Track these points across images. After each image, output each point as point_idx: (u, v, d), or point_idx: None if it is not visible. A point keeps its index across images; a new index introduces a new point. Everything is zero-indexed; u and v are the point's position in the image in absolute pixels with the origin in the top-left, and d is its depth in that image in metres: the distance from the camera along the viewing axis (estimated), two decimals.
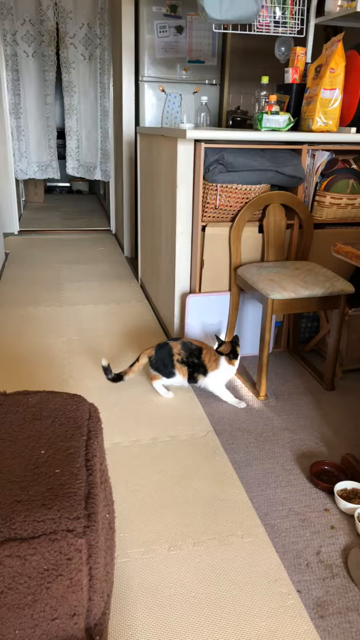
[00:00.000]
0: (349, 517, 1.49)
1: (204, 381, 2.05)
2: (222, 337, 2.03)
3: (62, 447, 1.05)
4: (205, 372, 2.03)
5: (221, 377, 2.04)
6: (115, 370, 2.16)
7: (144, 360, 2.09)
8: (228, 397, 2.06)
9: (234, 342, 2.04)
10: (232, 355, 2.01)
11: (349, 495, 1.55)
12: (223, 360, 2.01)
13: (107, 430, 1.86)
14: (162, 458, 1.73)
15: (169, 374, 2.06)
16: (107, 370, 2.10)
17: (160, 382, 2.10)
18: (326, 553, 1.37)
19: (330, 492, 1.58)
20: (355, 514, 1.45)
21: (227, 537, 1.41)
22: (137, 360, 2.09)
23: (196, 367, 2.04)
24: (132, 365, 2.10)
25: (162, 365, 2.06)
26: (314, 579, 1.29)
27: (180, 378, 2.06)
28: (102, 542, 0.94)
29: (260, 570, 1.31)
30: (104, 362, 2.09)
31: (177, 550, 1.36)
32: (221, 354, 2.01)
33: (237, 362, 2.03)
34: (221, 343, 2.03)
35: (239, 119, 3.21)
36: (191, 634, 1.14)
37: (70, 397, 1.26)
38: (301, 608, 1.21)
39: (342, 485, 1.57)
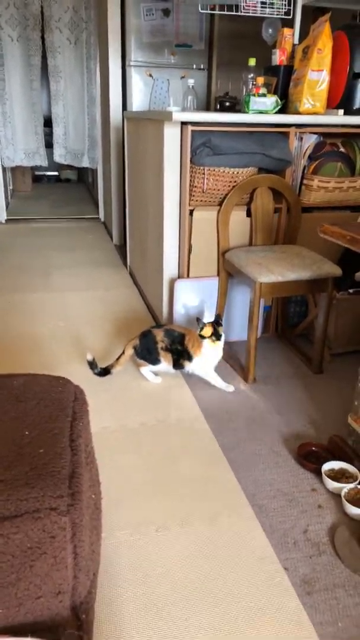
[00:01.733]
0: (336, 496, 1.50)
1: (191, 367, 2.05)
2: (205, 319, 2.01)
3: (47, 428, 1.05)
4: (190, 358, 2.03)
5: (207, 361, 2.04)
6: (103, 361, 2.15)
7: (129, 351, 2.08)
8: (217, 381, 2.06)
9: (216, 322, 2.01)
10: (214, 337, 2.01)
11: (337, 475, 1.56)
12: (206, 343, 2.00)
13: (96, 415, 1.85)
14: (150, 442, 1.73)
15: (154, 361, 2.06)
16: (92, 364, 2.06)
17: (148, 369, 2.09)
18: (313, 531, 1.38)
19: (317, 473, 1.59)
20: (342, 493, 1.46)
21: (214, 517, 1.41)
22: (123, 352, 2.08)
23: (181, 353, 2.04)
24: (118, 358, 2.08)
25: (147, 353, 2.06)
26: (301, 557, 1.30)
27: (165, 365, 2.06)
28: (87, 521, 0.93)
29: (248, 550, 1.31)
30: (89, 357, 2.06)
31: (164, 531, 1.36)
32: (203, 337, 2.01)
33: (221, 343, 2.01)
34: (203, 326, 2.01)
35: (227, 104, 3.17)
36: (179, 613, 1.15)
37: (55, 380, 1.25)
38: (288, 585, 1.22)
39: (329, 466, 1.58)
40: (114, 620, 1.13)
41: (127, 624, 1.12)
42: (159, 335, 2.05)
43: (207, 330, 1.99)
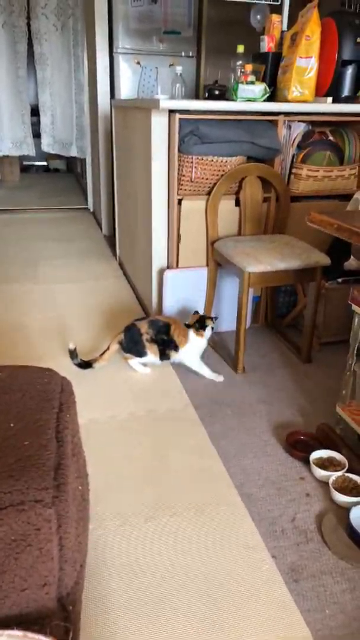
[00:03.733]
0: (324, 484, 1.51)
1: (177, 357, 2.04)
2: (201, 312, 2.02)
3: (32, 419, 1.04)
4: (176, 348, 2.02)
5: (193, 350, 2.03)
6: (92, 352, 2.13)
7: (114, 347, 2.07)
8: (205, 371, 2.06)
9: (205, 315, 2.03)
10: (198, 325, 2.00)
11: (324, 464, 1.57)
12: (191, 332, 2.00)
13: (84, 406, 1.84)
14: (139, 432, 1.73)
15: (141, 353, 2.05)
16: (73, 353, 2.01)
17: (135, 360, 2.09)
18: (301, 519, 1.39)
19: (306, 461, 1.59)
20: (330, 481, 1.47)
21: (203, 507, 1.42)
22: (108, 348, 2.07)
23: (166, 343, 2.03)
24: (103, 353, 2.07)
25: (133, 346, 2.05)
26: (288, 545, 1.31)
27: (152, 356, 2.05)
28: (73, 513, 0.93)
29: (236, 538, 1.32)
30: (71, 345, 2.02)
31: (153, 521, 1.36)
32: (188, 326, 2.01)
33: (205, 333, 2.01)
34: (200, 316, 2.02)
35: (216, 92, 3.13)
36: (167, 602, 1.15)
37: (42, 371, 1.23)
38: (276, 573, 1.23)
39: (317, 454, 1.59)
40: (103, 610, 1.13)
41: (116, 614, 1.12)
42: (144, 327, 2.04)
43: (192, 319, 2.00)
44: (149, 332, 2.03)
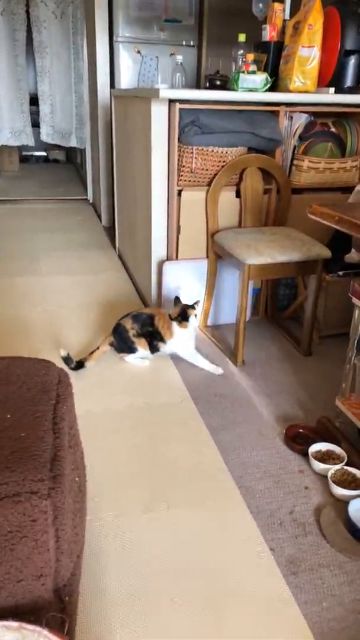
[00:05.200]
0: (323, 477, 1.51)
1: (167, 348, 2.04)
2: (189, 300, 2.00)
3: (29, 411, 1.03)
4: (163, 339, 2.03)
5: (181, 342, 2.02)
6: (88, 345, 2.12)
7: (104, 347, 2.06)
8: (201, 362, 2.05)
9: (190, 306, 2.01)
10: (180, 318, 1.99)
11: (323, 457, 1.56)
12: (174, 325, 2.00)
13: (82, 398, 1.83)
14: (137, 424, 1.72)
15: (132, 349, 2.05)
16: (67, 360, 1.97)
17: (130, 357, 2.08)
18: (299, 512, 1.39)
19: (305, 454, 1.59)
20: (329, 475, 1.47)
21: (201, 499, 1.41)
22: (98, 348, 2.06)
23: (153, 335, 2.03)
24: (92, 352, 2.05)
25: (123, 344, 2.05)
26: (286, 537, 1.31)
27: (143, 351, 2.05)
28: (69, 504, 0.92)
29: (234, 530, 1.32)
30: (63, 353, 1.97)
31: (151, 513, 1.36)
32: (171, 318, 2.00)
33: (190, 323, 1.99)
34: (181, 307, 2.01)
35: (218, 82, 3.10)
36: (164, 593, 1.15)
37: (39, 362, 1.22)
38: (274, 565, 1.23)
39: (316, 447, 1.58)
40: (100, 602, 1.13)
41: (112, 605, 1.12)
42: (128, 323, 2.04)
43: (174, 312, 2.00)
44: (134, 327, 2.03)
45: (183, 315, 1.99)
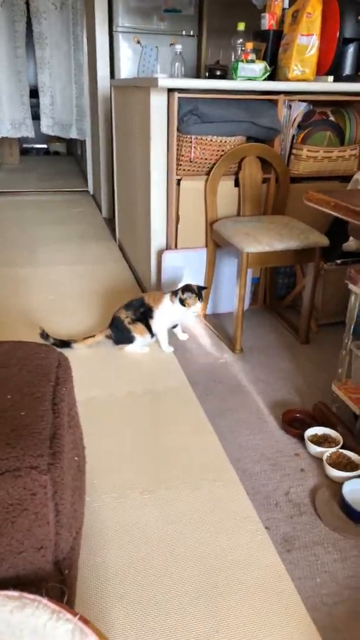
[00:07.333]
0: (319, 460, 1.53)
1: (153, 323, 2.07)
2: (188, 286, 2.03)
3: (29, 392, 1.05)
4: (152, 315, 2.06)
5: (163, 315, 2.05)
6: (88, 334, 2.14)
7: (99, 337, 2.09)
8: (163, 341, 2.10)
9: (191, 287, 2.02)
10: (174, 293, 2.03)
11: (319, 440, 1.59)
12: (166, 296, 2.04)
13: (83, 384, 1.86)
14: (136, 410, 1.75)
15: (130, 339, 2.08)
16: (42, 335, 2.03)
17: (130, 347, 2.11)
18: (295, 493, 1.42)
19: (301, 439, 1.62)
20: (324, 457, 1.50)
21: (199, 481, 1.44)
22: (93, 336, 2.09)
23: (146, 315, 2.06)
24: (86, 338, 2.08)
25: (121, 336, 2.08)
26: (282, 517, 1.34)
27: (141, 338, 2.08)
28: (68, 481, 0.95)
29: (231, 511, 1.35)
30: (39, 330, 2.05)
31: (149, 494, 1.39)
32: (173, 293, 2.04)
33: (176, 300, 2.01)
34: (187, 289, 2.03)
35: (218, 72, 3.10)
36: (162, 571, 1.18)
37: (39, 346, 1.25)
38: (269, 543, 1.26)
39: (312, 431, 1.61)
40: (98, 578, 1.16)
41: (110, 582, 1.15)
42: (122, 313, 2.08)
43: (179, 290, 2.02)
44: (128, 314, 2.06)
45: (182, 291, 2.00)
